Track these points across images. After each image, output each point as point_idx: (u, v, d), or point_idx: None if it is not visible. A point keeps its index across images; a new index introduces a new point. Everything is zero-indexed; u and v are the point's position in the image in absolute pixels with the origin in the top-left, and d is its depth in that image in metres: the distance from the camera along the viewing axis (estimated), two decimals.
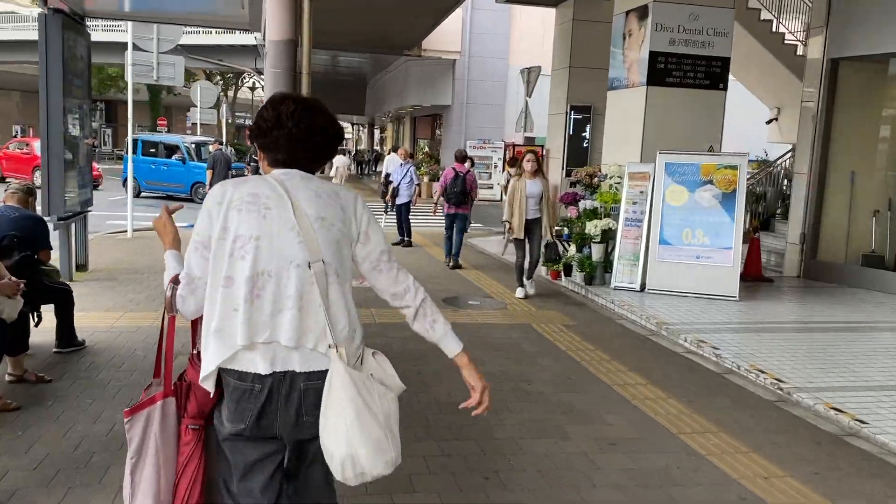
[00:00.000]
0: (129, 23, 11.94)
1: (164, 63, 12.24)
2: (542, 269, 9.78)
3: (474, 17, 24.41)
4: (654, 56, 8.37)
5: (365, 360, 2.12)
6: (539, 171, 8.68)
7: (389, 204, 12.89)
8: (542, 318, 7.15)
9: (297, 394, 1.97)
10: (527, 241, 8.17)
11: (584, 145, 14.76)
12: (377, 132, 61.36)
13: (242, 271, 1.95)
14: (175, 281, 2.09)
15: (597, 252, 8.52)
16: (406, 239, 12.61)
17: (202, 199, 13.24)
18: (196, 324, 2.18)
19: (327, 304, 2.00)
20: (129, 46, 12.07)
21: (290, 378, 1.96)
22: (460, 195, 10.35)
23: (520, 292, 8.12)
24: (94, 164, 24.54)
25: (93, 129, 8.68)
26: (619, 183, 8.74)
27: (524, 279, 8.20)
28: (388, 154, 32.26)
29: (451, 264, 10.18)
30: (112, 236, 12.25)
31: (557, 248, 9.24)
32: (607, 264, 8.61)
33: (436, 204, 11.18)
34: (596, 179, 9.20)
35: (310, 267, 1.97)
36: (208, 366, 1.97)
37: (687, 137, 8.54)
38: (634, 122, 8.68)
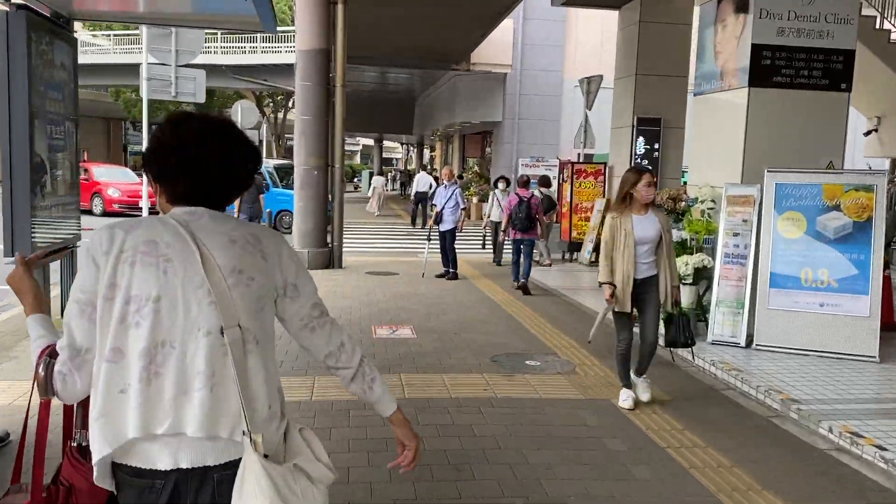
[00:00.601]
0: (144, 33, 10.77)
1: (184, 77, 11.04)
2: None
3: (526, 27, 22.92)
4: (757, 50, 6.66)
5: (290, 441, 1.76)
6: (653, 203, 5.14)
7: (431, 231, 11.37)
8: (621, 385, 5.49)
9: (210, 487, 1.64)
10: (636, 313, 5.14)
11: (654, 162, 13.01)
12: (426, 151, 60.35)
13: (136, 342, 1.61)
14: (51, 354, 1.67)
15: (688, 296, 6.79)
16: (451, 271, 11.06)
17: (289, 228, 10.57)
18: (71, 409, 1.88)
19: (244, 380, 1.65)
20: (144, 58, 10.90)
21: (201, 472, 1.63)
22: (526, 220, 10.16)
23: (625, 398, 5.06)
24: (151, 189, 23.87)
25: (79, 150, 7.12)
26: (712, 208, 7.02)
27: (632, 375, 5.22)
28: (418, 172, 31.13)
29: (517, 285, 10.09)
30: None
31: (688, 325, 5.38)
32: (701, 312, 6.88)
33: (504, 231, 10.95)
34: (683, 204, 7.49)
35: (223, 334, 1.63)
36: (96, 461, 1.62)
37: (800, 151, 6.80)
38: (732, 134, 6.96)
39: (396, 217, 24.89)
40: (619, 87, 13.86)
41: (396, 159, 77.54)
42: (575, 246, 13.86)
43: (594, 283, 11.65)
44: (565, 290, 10.31)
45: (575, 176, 13.85)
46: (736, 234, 6.57)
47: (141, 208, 20.62)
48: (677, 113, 13.28)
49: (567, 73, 23.25)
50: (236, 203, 12.69)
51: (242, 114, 23.27)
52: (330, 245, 11.93)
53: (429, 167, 71.16)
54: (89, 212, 20.76)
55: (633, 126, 13.03)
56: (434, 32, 18.82)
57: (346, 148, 70.44)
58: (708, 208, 7.01)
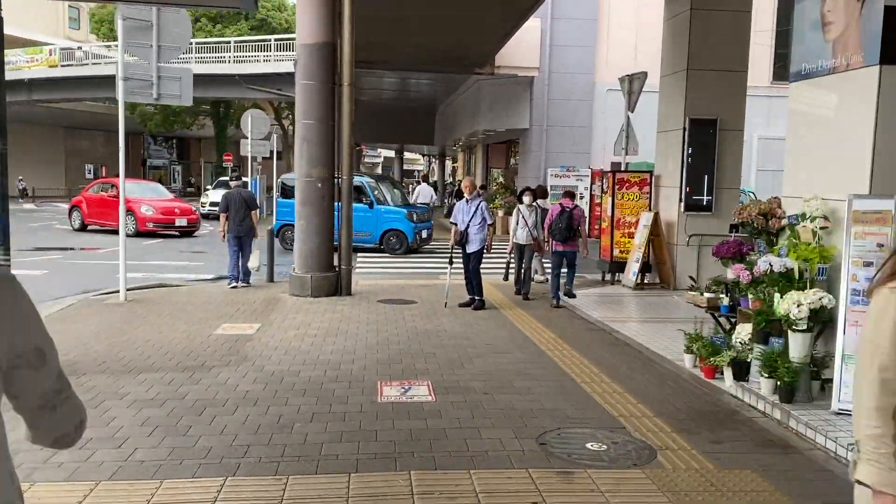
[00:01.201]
0: (120, 27, 9.29)
1: (168, 77, 9.54)
2: (687, 359, 6.37)
3: (555, 27, 21.31)
4: (893, 14, 4.95)
5: None
6: None
7: (453, 252, 9.71)
8: (730, 486, 3.79)
9: None
10: None
11: (710, 170, 11.29)
12: (448, 163, 58.86)
13: None
14: None
15: (800, 346, 5.06)
16: (477, 299, 9.41)
17: (397, 249, 10.57)
18: None
19: None
20: (120, 53, 9.42)
21: None
22: (566, 231, 9.79)
23: None
24: (187, 206, 22.47)
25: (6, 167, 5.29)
26: (824, 228, 5.30)
27: None
28: (418, 184, 29.34)
29: (555, 304, 9.78)
30: (99, 300, 9.51)
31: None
32: (818, 368, 5.15)
33: (545, 241, 10.30)
34: (783, 221, 5.77)
35: None
36: None
37: None
38: (852, 128, 5.25)
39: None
40: (666, 85, 12.18)
41: (418, 171, 76.23)
42: (618, 266, 12.14)
43: (645, 313, 9.83)
44: (613, 322, 8.61)
45: (617, 186, 12.14)
46: (868, 264, 4.84)
47: (178, 227, 19.05)
48: (735, 113, 11.55)
49: (599, 76, 21.58)
50: (221, 219, 11.19)
51: (253, 123, 21.89)
52: (337, 269, 10.34)
53: (430, 178, 69.78)
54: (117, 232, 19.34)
55: (684, 129, 11.33)
56: (455, 33, 17.28)
57: (367, 160, 69.03)
58: (819, 227, 5.29)
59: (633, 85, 12.79)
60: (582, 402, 5.30)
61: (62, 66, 35.27)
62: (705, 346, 6.02)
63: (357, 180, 19.13)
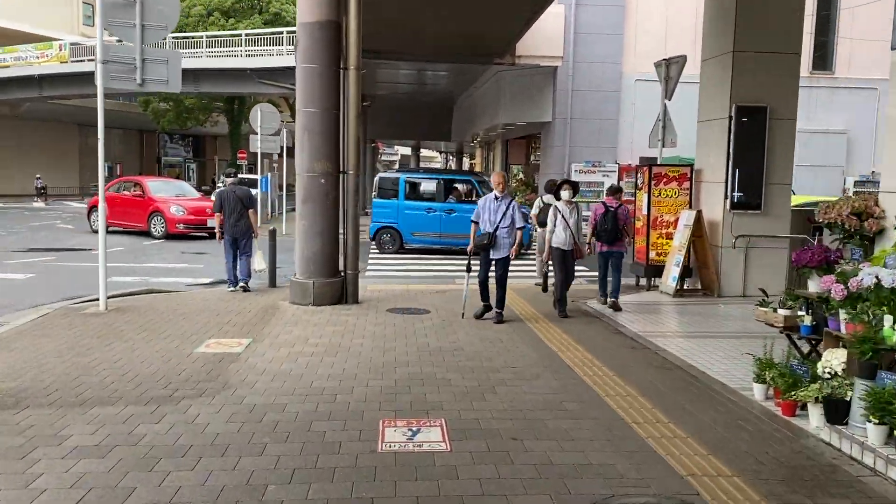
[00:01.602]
0: (98, 4, 8.29)
1: (153, 60, 8.52)
2: (757, 389, 5.24)
3: (579, 14, 20.12)
4: None
5: None
6: None
7: (471, 258, 8.59)
8: None
9: None
10: None
11: (759, 163, 10.11)
12: (465, 160, 57.69)
13: None
14: None
15: None
16: (499, 312, 8.27)
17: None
18: None
19: None
20: (98, 33, 8.41)
21: None
22: (612, 232, 9.17)
23: None
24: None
25: None
26: None
27: None
28: None
29: (608, 302, 9.20)
30: (77, 310, 8.53)
31: None
32: None
33: (588, 244, 9.36)
34: (884, 222, 4.61)
35: None
36: None
37: None
38: None
39: None
40: (708, 70, 10.99)
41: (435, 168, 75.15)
42: (654, 270, 10.98)
43: (691, 326, 8.56)
44: (656, 336, 7.48)
45: (654, 182, 10.98)
46: None
47: (210, 228, 17.78)
48: (787, 100, 10.35)
49: (626, 66, 20.36)
50: (216, 220, 10.26)
51: (262, 118, 20.93)
52: (342, 274, 9.28)
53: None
54: (146, 233, 18.25)
55: (729, 118, 10.14)
56: (473, 20, 16.17)
57: (384, 158, 68.00)
58: None
59: (670, 70, 11.62)
60: (638, 452, 4.19)
61: (72, 61, 34.56)
62: (782, 375, 4.88)
63: (464, 177, 17.78)
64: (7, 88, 36.28)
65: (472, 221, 8.20)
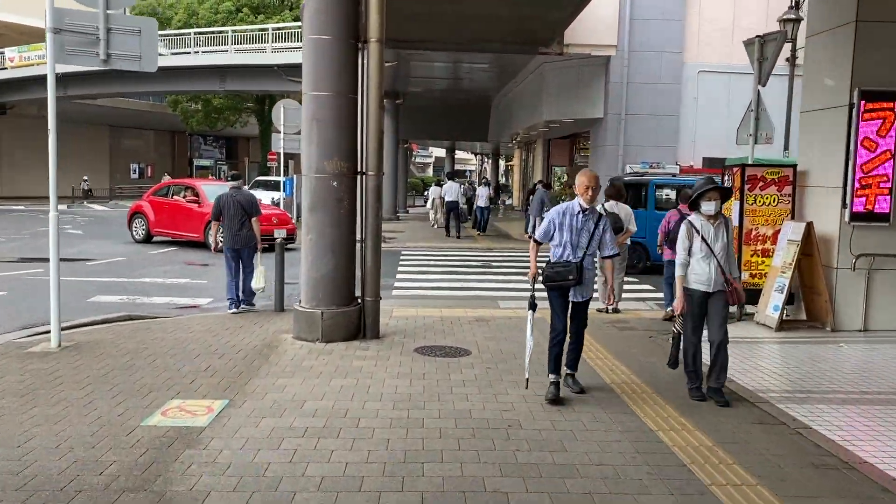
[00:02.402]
0: None
1: (121, 30, 6.69)
2: None
3: None
4: None
5: None
6: None
7: (536, 289, 6.39)
8: None
9: None
10: None
11: (891, 163, 7.93)
12: (501, 162, 55.61)
13: None
14: None
15: None
16: (572, 378, 6.04)
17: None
18: None
19: None
20: None
21: None
22: None
23: None
24: (283, 213, 17.16)
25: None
26: None
27: None
28: (444, 182, 26.33)
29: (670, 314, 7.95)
30: (23, 346, 6.73)
31: None
32: None
33: (660, 246, 8.96)
34: None
35: None
36: None
37: None
38: None
39: (468, 238, 20.22)
40: (817, 48, 8.83)
41: (469, 171, 73.33)
42: (747, 295, 8.84)
43: (828, 381, 6.09)
44: (788, 401, 5.39)
45: (747, 186, 8.85)
46: None
47: (275, 239, 15.17)
48: None
49: (688, 55, 18.14)
50: (213, 228, 8.61)
51: (286, 115, 19.15)
52: (359, 301, 7.35)
53: (469, 176, 66.23)
54: (202, 245, 15.58)
55: (849, 106, 7.98)
56: (516, 3, 14.17)
57: (418, 160, 66.42)
58: None
59: (765, 49, 9.44)
60: None
61: None
62: None
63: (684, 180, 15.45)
64: (32, 88, 35.25)
65: (535, 240, 5.57)
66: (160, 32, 35.44)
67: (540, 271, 5.47)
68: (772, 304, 8.39)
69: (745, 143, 9.73)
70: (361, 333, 7.27)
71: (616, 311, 9.23)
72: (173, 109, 42.43)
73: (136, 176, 52.00)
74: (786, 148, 17.60)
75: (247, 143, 58.69)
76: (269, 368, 6.09)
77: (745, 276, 8.94)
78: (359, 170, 7.26)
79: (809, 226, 8.28)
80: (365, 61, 7.15)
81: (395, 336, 7.43)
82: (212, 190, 17.02)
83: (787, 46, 17.63)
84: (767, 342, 7.79)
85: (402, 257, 15.38)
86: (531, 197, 20.42)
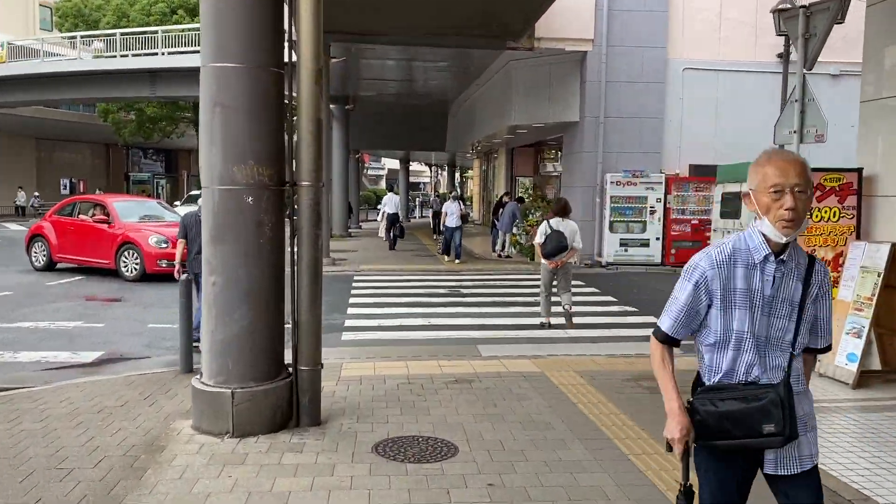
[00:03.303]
0: None
1: None
2: None
3: None
4: None
5: None
6: None
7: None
8: None
9: None
10: None
11: None
12: (457, 174, 53.59)
13: None
14: None
15: None
16: None
17: None
18: None
19: None
20: None
21: None
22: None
23: None
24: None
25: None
26: None
27: None
28: (388, 194, 24.09)
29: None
30: None
31: None
32: None
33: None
34: None
35: None
36: None
37: None
38: None
39: (430, 258, 17.97)
40: (883, 19, 6.89)
41: (424, 183, 71.31)
42: None
43: None
44: None
45: None
46: None
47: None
48: None
49: (672, 52, 16.32)
50: (178, 249, 6.41)
51: None
52: (290, 373, 5.02)
53: (423, 189, 63.92)
54: (114, 273, 13.24)
55: None
56: None
57: (370, 172, 64.27)
58: None
59: (811, 23, 7.45)
60: None
61: (10, 62, 30.17)
62: None
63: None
64: None
65: (661, 339, 2.51)
66: (82, 34, 32.64)
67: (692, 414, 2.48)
68: (844, 351, 6.36)
69: (788, 141, 7.73)
70: (294, 420, 4.95)
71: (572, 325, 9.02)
72: (104, 120, 39.32)
73: (66, 191, 48.31)
74: None
75: (188, 155, 55.53)
76: (137, 499, 3.73)
77: None
78: (288, 179, 4.96)
79: (894, 248, 6.28)
80: (294, 17, 4.87)
81: (343, 420, 5.13)
82: (125, 207, 14.40)
83: (780, 40, 15.94)
84: (851, 408, 5.73)
85: (354, 284, 13.05)
86: (500, 210, 18.31)
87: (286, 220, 5.00)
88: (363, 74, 20.95)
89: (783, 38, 15.77)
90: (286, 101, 4.93)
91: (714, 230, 15.41)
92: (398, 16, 13.96)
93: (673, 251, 16.04)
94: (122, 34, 28.60)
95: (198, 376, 5.00)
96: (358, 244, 21.83)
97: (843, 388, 6.21)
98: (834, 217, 6.90)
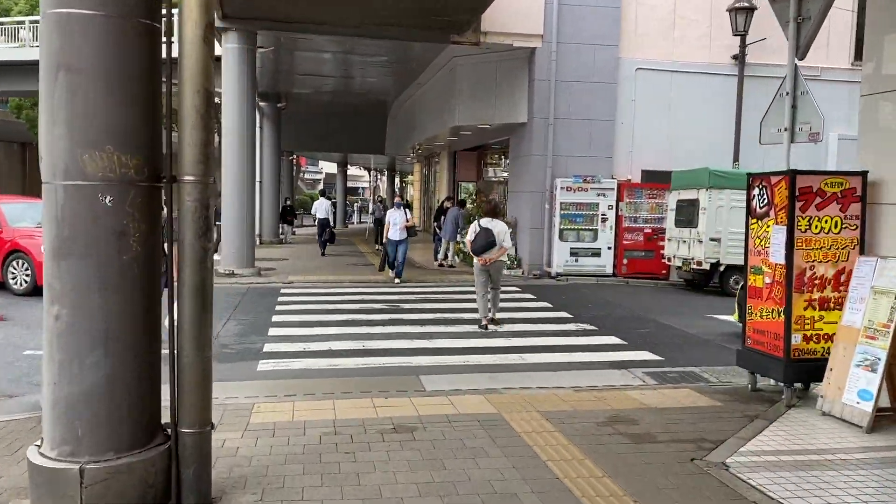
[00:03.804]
0: None
1: None
2: None
3: None
4: None
5: None
6: None
7: None
8: None
9: None
10: None
11: None
12: (396, 179, 52.28)
13: None
14: None
15: None
16: None
17: None
18: None
19: None
20: None
21: None
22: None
23: None
24: None
25: None
26: None
27: None
28: (331, 197, 22.84)
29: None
30: None
31: None
32: None
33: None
34: None
35: None
36: None
37: None
38: None
39: (368, 268, 16.66)
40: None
41: (362, 188, 69.76)
42: (803, 369, 5.87)
43: None
44: None
45: (799, 204, 5.84)
46: None
47: None
48: None
49: (625, 50, 15.47)
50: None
51: None
52: (168, 437, 3.67)
53: (362, 194, 62.27)
54: (2, 286, 11.50)
55: None
56: None
57: (307, 176, 62.29)
58: None
59: (804, 6, 6.51)
60: None
61: None
62: None
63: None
64: None
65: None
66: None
67: None
68: (855, 387, 5.38)
69: (776, 140, 6.77)
70: (174, 500, 3.61)
71: (495, 322, 9.36)
72: (17, 116, 36.61)
73: None
74: (735, 160, 15.20)
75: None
76: None
77: (796, 338, 5.93)
78: (165, 173, 3.63)
79: None
80: (170, 64, 3.57)
81: (243, 497, 3.82)
82: (16, 210, 12.60)
83: (736, 41, 15.28)
84: (870, 461, 4.72)
85: (280, 299, 11.66)
86: (442, 217, 17.13)
87: (162, 228, 3.67)
88: (297, 69, 19.51)
89: (739, 38, 15.14)
90: (163, 66, 3.61)
91: (668, 239, 14.60)
92: (332, 5, 12.66)
93: (625, 261, 15.17)
94: (30, 22, 26.27)
95: (37, 443, 3.62)
96: (291, 251, 20.33)
97: (855, 431, 5.23)
98: (836, 228, 5.95)
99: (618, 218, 15.09)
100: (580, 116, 15.27)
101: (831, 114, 16.33)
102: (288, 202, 23.97)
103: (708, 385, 6.72)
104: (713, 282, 13.83)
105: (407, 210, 14.56)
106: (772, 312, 6.10)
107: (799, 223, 5.89)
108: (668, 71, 15.47)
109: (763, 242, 6.24)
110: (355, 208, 43.36)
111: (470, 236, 9.23)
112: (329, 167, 62.45)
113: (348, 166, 45.17)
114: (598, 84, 15.30)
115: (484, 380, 6.76)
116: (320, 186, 75.39)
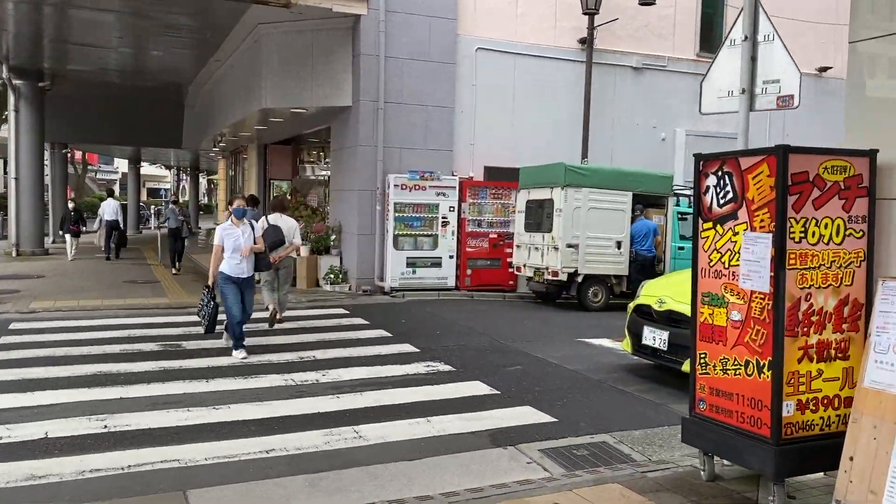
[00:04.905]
0: None
1: None
2: None
3: None
4: None
5: None
6: None
7: None
8: None
9: None
10: None
11: None
12: (202, 178, 47.23)
13: None
14: None
15: None
16: None
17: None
18: None
19: None
20: None
21: None
22: None
23: None
24: None
25: None
26: None
27: None
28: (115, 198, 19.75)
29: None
30: None
31: None
32: None
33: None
34: None
35: None
36: None
37: None
38: None
39: (149, 285, 13.18)
40: None
41: (165, 189, 63.27)
42: (797, 455, 3.78)
43: None
44: None
45: (793, 199, 3.75)
46: None
47: None
48: None
49: (464, 28, 13.29)
50: None
51: None
52: None
53: (166, 196, 56.69)
54: None
55: None
56: None
57: (101, 176, 54.94)
58: None
59: None
60: None
61: None
62: None
63: None
64: None
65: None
66: None
67: None
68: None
69: (725, 108, 4.67)
70: None
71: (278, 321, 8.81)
72: None
73: None
74: (584, 156, 13.60)
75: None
76: None
77: (789, 406, 3.84)
78: None
79: None
80: None
81: None
82: None
83: (583, 23, 13.66)
84: None
85: (2, 341, 8.10)
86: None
87: None
88: (69, 37, 15.40)
89: (587, 19, 13.55)
90: None
91: (517, 246, 12.63)
92: None
93: (469, 272, 13.00)
94: None
95: None
96: (53, 266, 16.11)
97: None
98: (836, 236, 3.94)
99: (460, 221, 12.90)
100: (415, 101, 12.88)
101: (677, 108, 15.41)
102: (72, 206, 19.44)
103: (639, 473, 4.50)
104: (568, 293, 12.03)
105: (254, 221, 8.08)
106: (745, 366, 3.99)
107: (792, 228, 3.82)
108: (511, 53, 13.53)
109: (727, 258, 4.12)
110: (152, 211, 38.13)
111: (258, 233, 7.92)
112: (126, 166, 55.65)
113: (142, 163, 39.83)
114: (436, 64, 12.99)
115: (297, 491, 4.07)
116: (116, 187, 67.56)
